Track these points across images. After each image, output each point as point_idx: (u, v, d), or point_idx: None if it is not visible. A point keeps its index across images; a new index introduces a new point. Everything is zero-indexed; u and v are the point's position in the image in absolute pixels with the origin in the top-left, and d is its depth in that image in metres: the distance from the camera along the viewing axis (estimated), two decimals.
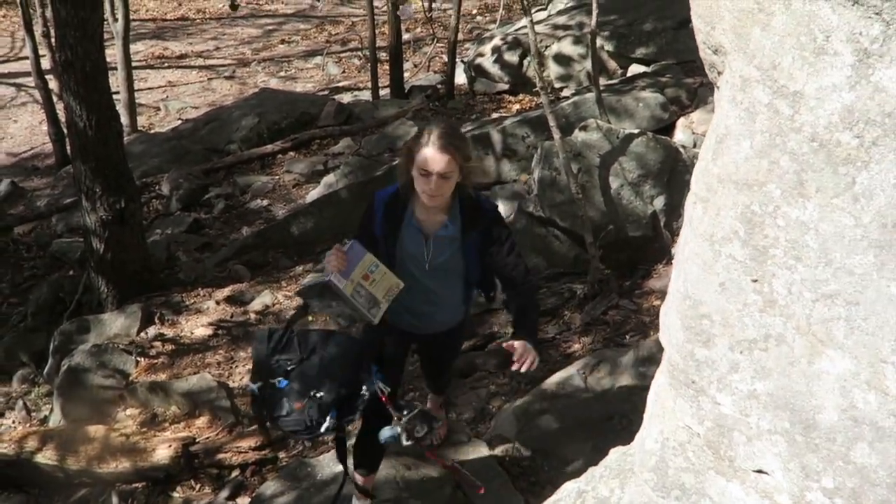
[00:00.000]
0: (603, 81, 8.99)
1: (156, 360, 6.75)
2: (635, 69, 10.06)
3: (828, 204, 1.33)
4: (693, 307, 1.54)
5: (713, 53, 1.50)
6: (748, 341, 1.48)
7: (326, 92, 13.40)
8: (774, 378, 1.46)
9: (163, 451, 5.88)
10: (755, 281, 1.44)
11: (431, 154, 3.16)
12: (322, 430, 3.43)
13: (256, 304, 7.45)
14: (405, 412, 3.44)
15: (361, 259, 3.19)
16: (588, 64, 8.50)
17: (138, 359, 6.74)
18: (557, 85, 10.33)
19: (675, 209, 6.56)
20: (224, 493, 5.63)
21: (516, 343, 3.42)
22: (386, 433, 3.46)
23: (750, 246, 1.43)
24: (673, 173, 6.72)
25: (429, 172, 3.17)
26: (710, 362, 1.54)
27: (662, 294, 1.60)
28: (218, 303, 7.45)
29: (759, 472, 1.53)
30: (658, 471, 1.69)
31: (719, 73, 1.51)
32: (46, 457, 5.90)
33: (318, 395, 3.40)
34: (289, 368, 3.45)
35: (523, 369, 3.39)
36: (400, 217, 3.44)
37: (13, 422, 6.77)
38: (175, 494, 5.75)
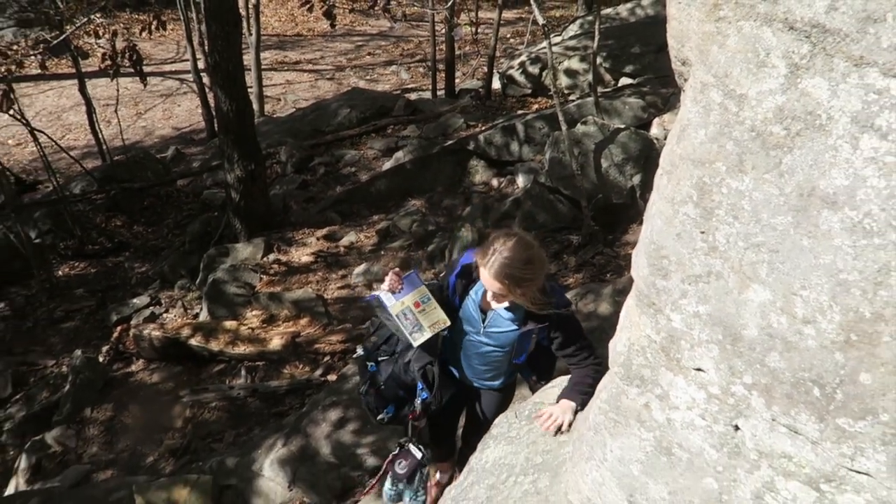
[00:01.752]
0: (600, 90, 8.82)
1: (273, 277, 6.84)
2: (624, 81, 9.86)
3: (760, 178, 1.30)
4: (656, 250, 1.52)
5: (682, 65, 1.45)
6: (695, 276, 1.45)
7: (399, 91, 13.27)
8: (713, 303, 1.44)
9: (277, 341, 6.00)
10: (703, 233, 1.41)
11: (486, 277, 2.49)
12: (377, 418, 2.93)
13: (345, 241, 7.50)
14: (412, 445, 2.96)
15: (417, 288, 2.65)
16: (590, 76, 8.30)
17: (261, 276, 6.83)
18: (566, 91, 10.12)
19: (648, 185, 6.45)
20: (318, 371, 5.74)
21: (550, 408, 2.71)
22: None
23: (700, 207, 1.40)
24: (648, 158, 6.59)
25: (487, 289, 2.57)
26: (666, 290, 1.52)
27: (635, 245, 1.57)
28: (317, 239, 7.52)
29: (698, 370, 1.52)
30: (625, 366, 1.69)
31: (685, 80, 1.47)
32: (196, 341, 6.04)
33: (380, 389, 2.89)
34: (380, 359, 2.93)
35: (543, 426, 2.67)
36: (469, 284, 2.77)
37: (174, 315, 6.92)
38: (284, 371, 5.88)
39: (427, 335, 2.65)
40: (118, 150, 10.65)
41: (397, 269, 2.74)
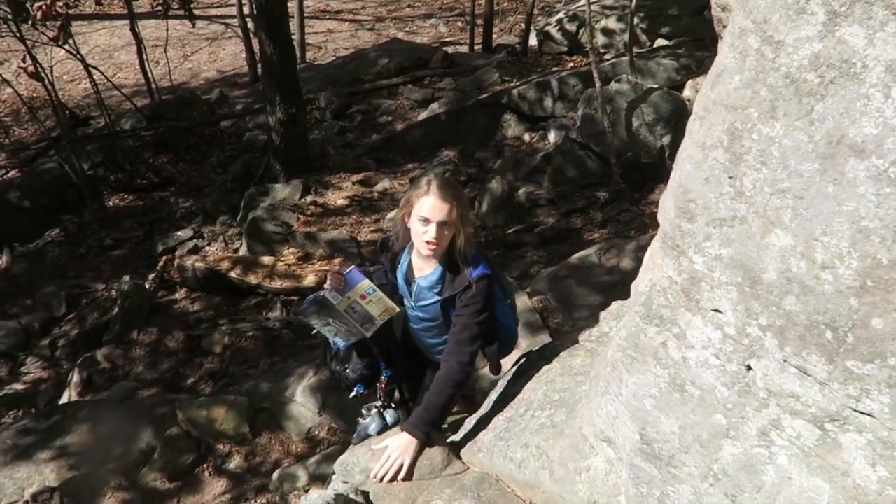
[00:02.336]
0: (636, 50, 8.59)
1: (310, 218, 6.92)
2: (660, 42, 9.60)
3: (791, 125, 1.29)
4: (684, 194, 1.52)
5: (721, 10, 1.43)
6: (720, 220, 1.46)
7: (437, 44, 13.07)
8: (735, 247, 1.44)
9: (311, 278, 6.10)
10: (731, 177, 1.41)
11: (432, 202, 2.35)
12: (351, 395, 2.94)
13: (379, 187, 7.54)
14: (384, 405, 2.90)
15: (359, 282, 2.58)
16: (626, 36, 8.09)
17: (298, 216, 6.92)
18: (602, 50, 9.89)
19: (677, 145, 6.32)
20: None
21: (389, 440, 2.48)
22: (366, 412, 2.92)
23: (730, 152, 1.40)
24: (679, 119, 6.48)
25: (429, 220, 2.37)
26: (691, 233, 1.53)
27: (660, 204, 1.53)
28: (353, 183, 7.56)
29: (716, 311, 1.54)
30: (645, 305, 1.71)
31: (724, 27, 1.44)
32: (236, 273, 6.18)
33: (346, 370, 2.87)
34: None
35: (374, 480, 2.42)
36: (398, 257, 2.69)
37: (216, 249, 7.06)
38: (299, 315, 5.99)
39: (378, 324, 2.60)
40: (166, 90, 10.72)
41: (336, 266, 2.68)
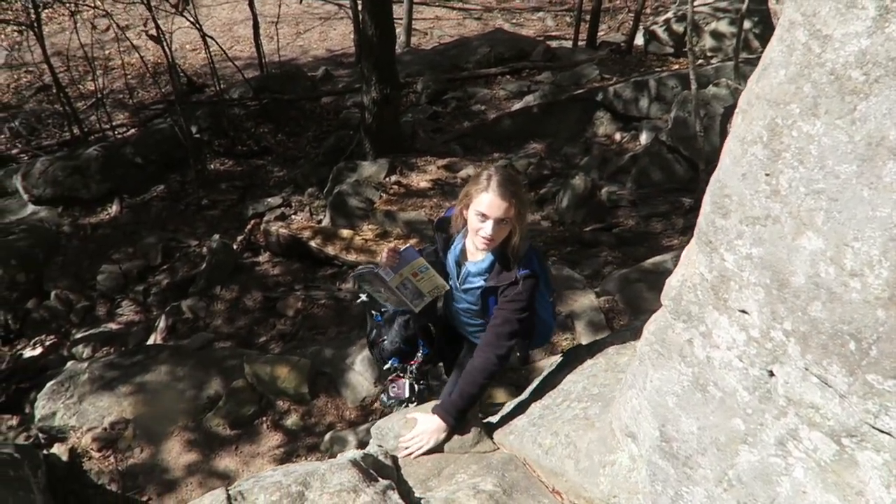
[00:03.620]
0: (744, 55, 8.22)
1: (392, 197, 7.06)
2: None
3: (832, 123, 1.23)
4: (721, 189, 1.48)
5: (776, 2, 1.38)
6: (753, 218, 1.41)
7: (541, 37, 12.98)
8: (766, 247, 1.39)
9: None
10: (767, 175, 1.36)
11: (491, 199, 2.33)
12: (385, 367, 2.98)
13: (462, 173, 7.58)
14: (414, 381, 2.94)
15: (413, 260, 2.64)
16: (735, 40, 7.75)
17: (381, 194, 7.07)
18: (709, 54, 9.53)
19: None
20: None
21: (421, 417, 2.54)
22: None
23: (769, 148, 1.35)
24: None
25: (486, 216, 2.35)
26: (724, 229, 1.48)
27: None
28: (437, 168, 7.64)
29: (742, 311, 1.49)
30: (675, 300, 1.68)
31: (778, 19, 1.39)
32: (315, 243, 6.40)
33: (384, 341, 2.93)
34: (383, 309, 2.93)
35: (401, 454, 2.50)
36: (452, 238, 2.70)
37: (301, 218, 7.34)
38: (352, 282, 6.11)
39: (427, 300, 2.69)
40: (276, 65, 11.19)
41: (393, 245, 2.72)
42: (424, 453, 2.48)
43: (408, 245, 2.74)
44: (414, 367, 2.94)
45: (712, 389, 1.62)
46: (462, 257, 2.67)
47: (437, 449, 2.50)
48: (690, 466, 1.72)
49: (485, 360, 2.51)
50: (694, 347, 1.65)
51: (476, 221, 2.40)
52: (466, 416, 2.56)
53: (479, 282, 2.61)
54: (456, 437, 2.55)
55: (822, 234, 1.28)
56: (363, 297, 2.90)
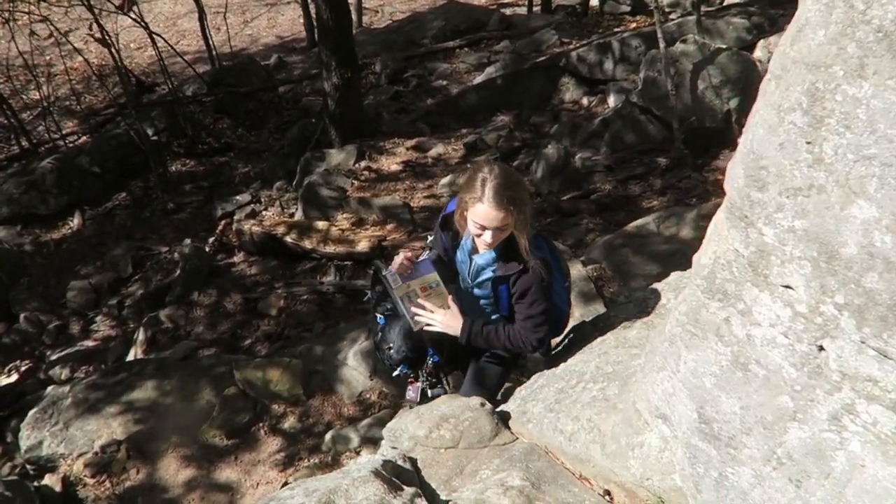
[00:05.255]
0: (704, 8, 8.18)
1: (364, 183, 6.92)
2: (731, 0, 9.09)
3: (882, 84, 1.15)
4: (755, 160, 1.39)
5: None
6: (795, 189, 1.33)
7: (494, 6, 12.78)
8: (811, 218, 1.32)
9: (364, 243, 6.11)
10: (809, 143, 1.28)
11: (486, 210, 2.20)
12: (394, 374, 2.85)
13: (432, 152, 7.46)
14: (430, 384, 2.86)
15: (427, 273, 2.51)
16: None
17: (353, 181, 6.92)
18: (667, 10, 9.47)
19: (745, 109, 6.03)
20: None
21: (452, 309, 2.50)
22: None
23: (810, 115, 1.26)
24: (748, 81, 6.13)
25: (484, 227, 2.25)
26: (761, 203, 1.40)
27: (725, 171, 1.40)
28: (407, 149, 7.50)
29: (786, 287, 1.42)
30: (708, 279, 1.60)
31: None
32: (291, 238, 6.24)
33: (391, 349, 2.75)
34: (387, 311, 2.77)
35: (414, 321, 2.50)
36: (458, 236, 2.59)
37: (272, 213, 7.14)
38: (370, 271, 6.01)
39: None
40: (226, 57, 10.82)
41: (410, 253, 2.56)
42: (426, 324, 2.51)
43: (425, 256, 2.62)
44: (425, 373, 2.83)
45: (755, 368, 1.56)
46: (473, 250, 2.56)
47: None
48: (734, 447, 1.65)
49: (517, 334, 2.50)
50: (732, 326, 1.58)
51: (475, 228, 2.31)
52: (474, 338, 2.53)
53: (489, 273, 2.52)
54: (474, 431, 2.47)
55: (875, 201, 1.21)
56: (370, 293, 2.77)
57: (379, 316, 2.77)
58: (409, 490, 2.07)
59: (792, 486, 1.55)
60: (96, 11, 7.02)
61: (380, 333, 2.82)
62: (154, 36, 8.51)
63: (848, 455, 1.44)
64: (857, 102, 1.19)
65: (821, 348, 1.41)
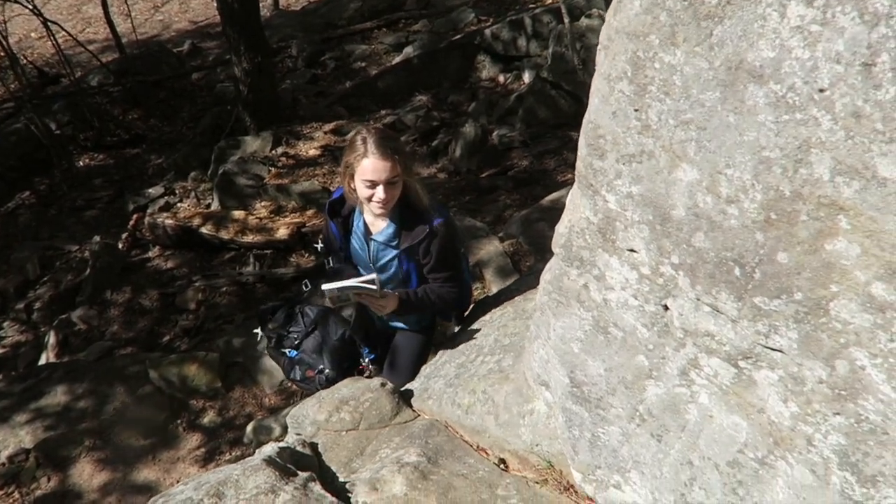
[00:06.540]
0: None
1: (281, 170, 6.79)
2: None
3: (691, 51, 1.20)
4: (593, 130, 1.44)
5: None
6: (629, 156, 1.38)
7: None
8: (644, 183, 1.37)
9: (283, 231, 6.03)
10: (636, 110, 1.33)
11: (373, 163, 2.23)
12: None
13: (351, 136, 7.37)
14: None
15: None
16: None
17: (269, 168, 6.79)
18: None
19: None
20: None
21: (387, 292, 2.50)
22: None
23: (634, 83, 1.31)
24: None
25: (375, 182, 2.27)
26: (602, 171, 1.45)
27: None
28: (325, 133, 7.39)
29: (631, 250, 1.48)
30: (566, 247, 1.65)
31: None
32: (207, 229, 6.09)
33: (325, 370, 2.76)
34: (296, 343, 2.79)
35: (369, 303, 2.48)
36: (349, 220, 2.58)
37: (188, 205, 6.95)
38: (291, 259, 5.94)
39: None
40: (135, 45, 10.40)
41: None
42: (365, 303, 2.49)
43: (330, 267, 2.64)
44: (367, 373, 2.82)
45: (613, 330, 1.62)
46: (367, 234, 2.56)
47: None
48: (602, 408, 1.72)
49: (445, 292, 2.57)
50: (590, 291, 1.64)
51: (366, 189, 2.32)
52: (408, 308, 2.57)
53: (389, 252, 2.52)
54: (374, 411, 2.49)
55: (695, 164, 1.27)
56: (260, 332, 2.79)
57: (287, 351, 2.77)
58: (302, 475, 2.07)
59: (654, 440, 1.63)
60: None
61: (296, 368, 2.79)
62: (49, 24, 8.09)
63: (699, 407, 1.52)
64: (673, 69, 1.24)
65: (666, 308, 1.48)
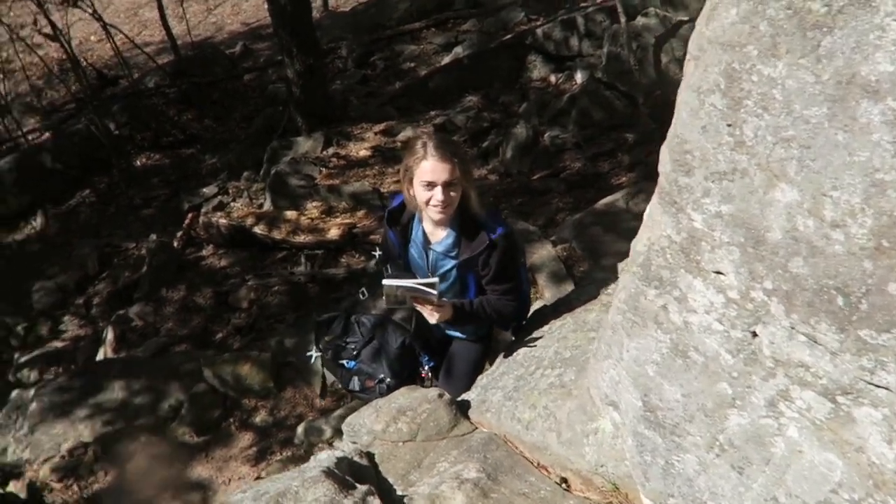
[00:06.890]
0: None
1: (332, 171, 6.83)
2: None
3: (795, 63, 1.11)
4: (680, 144, 1.36)
5: None
6: (719, 173, 1.30)
7: None
8: (736, 203, 1.29)
9: (334, 231, 6.06)
10: (729, 125, 1.24)
11: (433, 165, 2.23)
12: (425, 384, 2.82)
13: (401, 136, 7.36)
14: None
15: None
16: None
17: (321, 169, 6.83)
18: None
19: None
20: (372, 262, 5.78)
21: (444, 301, 2.46)
22: None
23: (728, 97, 1.23)
24: None
25: (433, 184, 2.26)
26: (688, 188, 1.37)
27: None
28: (375, 134, 7.40)
29: (718, 273, 1.39)
30: (644, 266, 1.57)
31: None
32: (260, 229, 6.16)
33: (385, 379, 2.75)
34: (354, 353, 2.78)
35: (423, 310, 2.46)
36: (408, 228, 2.56)
37: (240, 205, 7.04)
38: (341, 260, 5.96)
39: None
40: (189, 47, 10.60)
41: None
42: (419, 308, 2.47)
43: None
44: (427, 382, 2.82)
45: (693, 355, 1.53)
46: (426, 243, 2.52)
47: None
48: (678, 435, 1.64)
49: (502, 305, 2.53)
50: (669, 313, 1.55)
51: (424, 192, 2.30)
52: (462, 318, 2.54)
53: (448, 262, 2.49)
54: (432, 423, 2.45)
55: (796, 184, 1.17)
56: (314, 352, 2.82)
57: (345, 362, 2.77)
58: (361, 488, 2.04)
59: (735, 472, 1.54)
60: (45, 5, 6.82)
61: (354, 378, 2.78)
62: (109, 27, 8.30)
63: (786, 441, 1.43)
64: (773, 82, 1.15)
65: (754, 334, 1.39)
